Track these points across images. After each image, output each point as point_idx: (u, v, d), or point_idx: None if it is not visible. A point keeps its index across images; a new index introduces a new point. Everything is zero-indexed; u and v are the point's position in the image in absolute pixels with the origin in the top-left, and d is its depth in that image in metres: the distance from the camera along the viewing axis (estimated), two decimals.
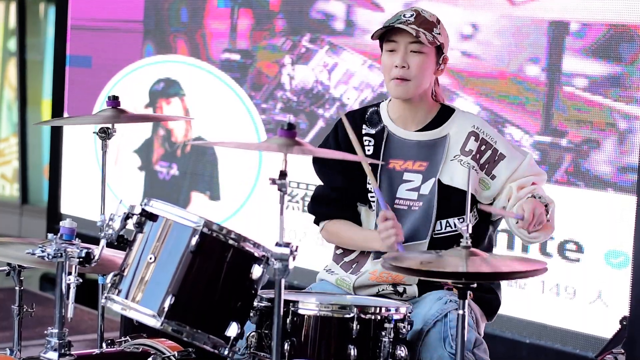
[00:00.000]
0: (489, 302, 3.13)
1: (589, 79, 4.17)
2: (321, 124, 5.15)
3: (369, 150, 3.12)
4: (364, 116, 3.18)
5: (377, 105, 3.20)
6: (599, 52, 4.13)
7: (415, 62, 3.02)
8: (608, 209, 4.09)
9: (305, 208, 5.15)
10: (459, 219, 3.02)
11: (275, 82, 5.39)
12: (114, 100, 3.30)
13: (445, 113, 3.13)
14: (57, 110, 6.80)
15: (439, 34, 3.04)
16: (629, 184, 4.03)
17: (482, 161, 3.06)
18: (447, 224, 3.04)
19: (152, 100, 6.13)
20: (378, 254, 3.03)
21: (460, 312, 2.50)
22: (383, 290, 3.07)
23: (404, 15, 3.03)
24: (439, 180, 3.04)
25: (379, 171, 3.08)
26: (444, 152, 3.05)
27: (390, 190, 3.07)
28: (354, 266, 3.13)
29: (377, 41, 3.11)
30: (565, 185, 4.23)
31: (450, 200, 3.02)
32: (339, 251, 3.22)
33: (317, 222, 3.23)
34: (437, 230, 3.04)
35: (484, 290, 3.10)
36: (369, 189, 3.10)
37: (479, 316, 3.11)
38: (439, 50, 3.06)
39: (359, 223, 3.14)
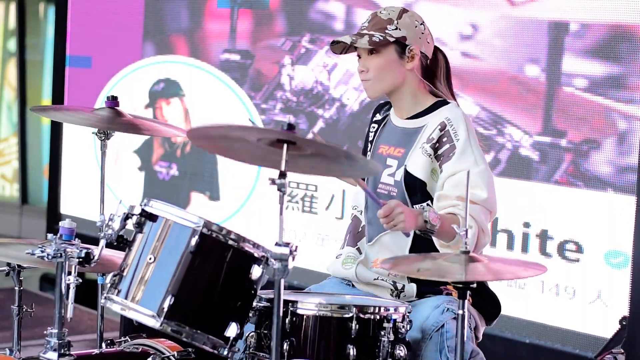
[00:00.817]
0: (489, 309, 3.14)
1: (588, 79, 4.17)
2: (321, 125, 5.15)
3: (372, 135, 3.25)
4: (384, 106, 3.29)
5: (388, 101, 3.28)
6: (599, 52, 4.13)
7: (372, 63, 3.10)
8: (608, 209, 4.09)
9: (305, 208, 5.15)
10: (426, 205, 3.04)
11: (275, 83, 5.39)
12: (112, 101, 3.29)
13: (436, 106, 3.14)
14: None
15: (396, 28, 3.08)
16: (628, 184, 4.03)
17: (438, 152, 3.05)
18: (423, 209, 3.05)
19: (152, 101, 6.12)
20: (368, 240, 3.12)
21: (460, 312, 2.50)
22: (382, 280, 3.09)
23: (363, 23, 3.16)
24: (405, 168, 3.08)
25: (370, 155, 3.19)
26: (416, 141, 3.09)
27: (376, 176, 3.14)
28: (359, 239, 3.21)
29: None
30: (565, 185, 4.23)
31: (415, 188, 3.05)
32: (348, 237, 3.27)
33: None
34: None
35: (484, 297, 3.10)
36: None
37: (478, 320, 3.11)
38: (400, 44, 3.09)
39: None
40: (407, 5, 4.69)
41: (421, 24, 3.14)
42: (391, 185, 3.11)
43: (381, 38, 3.06)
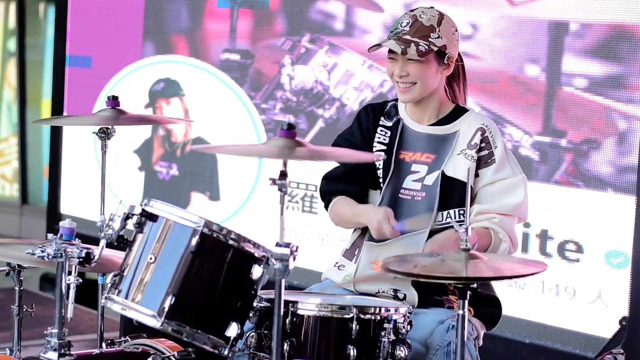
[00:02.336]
0: (490, 314, 3.14)
1: (589, 79, 4.17)
2: (321, 124, 5.15)
3: (384, 139, 3.19)
4: (384, 109, 3.25)
5: (396, 99, 3.26)
6: (599, 52, 4.13)
7: (414, 69, 3.08)
8: (608, 209, 4.09)
9: (306, 208, 5.15)
10: (459, 211, 3.06)
11: (275, 83, 5.39)
12: (113, 101, 3.29)
13: (458, 112, 3.19)
14: (57, 110, 6.79)
15: (438, 37, 3.08)
16: (628, 184, 4.03)
17: (478, 155, 3.10)
18: (448, 215, 3.08)
19: (152, 101, 6.12)
20: (372, 238, 3.09)
21: (460, 312, 2.50)
22: (384, 292, 3.08)
23: (401, 24, 3.09)
24: (442, 172, 3.09)
25: (392, 161, 3.15)
26: (452, 147, 3.11)
27: (397, 181, 3.13)
28: (356, 252, 3.17)
29: (378, 42, 3.15)
30: (565, 185, 4.23)
31: (453, 191, 3.06)
32: (348, 245, 3.24)
33: (326, 205, 3.27)
34: (438, 222, 3.07)
35: (485, 304, 3.10)
36: (377, 173, 3.16)
37: (479, 328, 3.11)
38: (440, 52, 3.10)
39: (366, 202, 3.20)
40: (407, 6, 4.69)
41: (456, 30, 3.17)
42: (417, 190, 3.10)
43: (426, 48, 3.05)
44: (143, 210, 2.75)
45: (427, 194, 3.09)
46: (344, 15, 5.11)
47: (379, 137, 3.20)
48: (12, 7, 9.25)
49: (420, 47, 3.05)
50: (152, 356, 2.88)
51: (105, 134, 3.31)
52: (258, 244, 2.70)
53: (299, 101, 5.27)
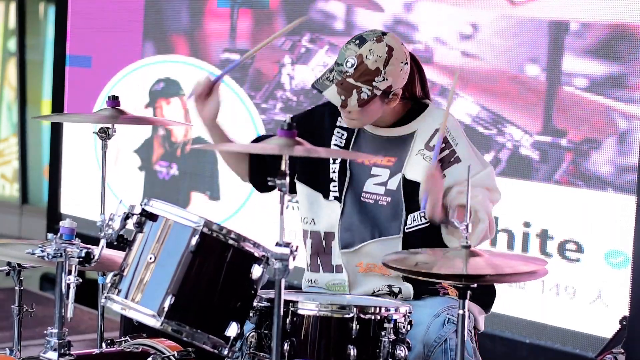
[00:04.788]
0: (485, 297, 3.14)
1: (589, 79, 4.17)
2: None
3: (340, 142, 3.15)
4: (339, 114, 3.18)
5: None
6: (599, 52, 4.13)
7: (356, 112, 3.01)
8: (608, 209, 4.09)
9: None
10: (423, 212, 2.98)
11: (275, 82, 5.39)
12: (113, 100, 3.29)
13: (416, 110, 3.13)
14: (57, 110, 6.79)
15: (384, 79, 2.97)
16: (628, 184, 4.03)
17: (440, 156, 3.02)
18: (415, 218, 3.04)
19: (152, 100, 6.12)
20: (344, 246, 3.08)
21: (460, 312, 2.50)
22: (379, 290, 3.08)
23: (346, 63, 2.97)
24: (403, 176, 3.05)
25: (348, 164, 3.12)
26: (410, 148, 3.07)
27: (357, 184, 3.10)
28: (318, 262, 3.15)
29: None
30: (565, 185, 4.23)
31: (416, 194, 3.00)
32: (309, 261, 3.21)
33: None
34: (409, 224, 3.04)
35: (481, 287, 3.10)
36: (330, 177, 3.12)
37: (477, 314, 3.11)
38: (384, 92, 3.00)
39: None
40: (407, 6, 4.70)
41: (405, 64, 3.02)
42: (380, 194, 3.08)
43: (369, 95, 2.97)
44: (143, 209, 2.75)
45: (392, 199, 3.06)
46: (344, 15, 5.11)
47: (335, 140, 3.17)
48: (12, 7, 9.25)
49: (362, 94, 2.96)
50: (152, 356, 2.88)
51: (105, 134, 3.30)
52: (258, 243, 2.70)
53: (299, 101, 5.27)
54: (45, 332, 2.82)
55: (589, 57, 4.16)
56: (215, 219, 2.79)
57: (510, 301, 4.28)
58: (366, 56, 2.96)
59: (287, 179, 2.47)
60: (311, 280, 3.21)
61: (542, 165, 4.29)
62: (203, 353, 2.77)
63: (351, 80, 2.96)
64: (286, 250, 2.45)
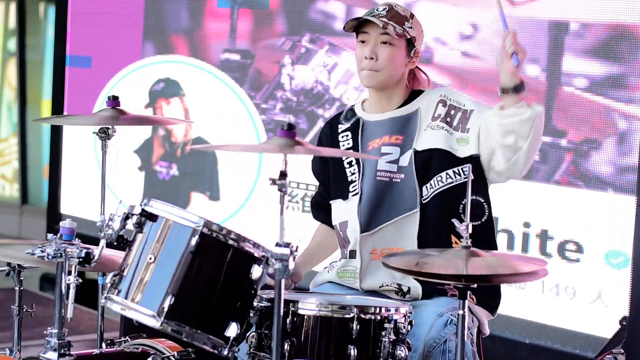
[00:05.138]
0: (492, 301, 3.14)
1: (589, 79, 4.17)
2: (321, 124, 5.14)
3: (348, 144, 3.22)
4: (339, 117, 3.31)
5: (352, 106, 3.32)
6: (599, 52, 4.13)
7: (384, 53, 3.12)
8: (608, 209, 4.09)
9: (306, 208, 5.15)
10: (437, 178, 3.08)
11: (275, 82, 5.39)
12: (113, 101, 3.29)
13: (414, 94, 3.23)
14: (57, 110, 6.80)
15: (411, 27, 3.14)
16: (628, 184, 4.03)
17: (454, 124, 3.12)
18: (431, 186, 3.09)
19: (152, 101, 6.13)
20: (363, 229, 3.13)
21: (461, 312, 2.50)
22: (387, 285, 3.08)
23: (377, 9, 3.14)
24: (414, 150, 3.11)
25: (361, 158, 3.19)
26: (417, 125, 3.14)
27: (371, 167, 3.15)
28: (348, 250, 3.19)
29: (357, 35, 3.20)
30: (565, 185, 4.23)
31: (431, 162, 3.08)
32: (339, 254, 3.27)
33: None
34: (425, 196, 3.08)
35: (485, 289, 3.11)
36: (350, 180, 3.18)
37: (484, 319, 3.12)
38: (410, 43, 3.15)
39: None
40: (407, 5, 4.69)
41: (422, 32, 3.23)
42: (394, 172, 3.12)
43: (402, 32, 3.11)
44: (143, 210, 2.75)
45: (406, 175, 3.11)
46: (344, 15, 5.11)
47: (343, 144, 3.23)
48: (12, 7, 9.26)
49: (397, 29, 3.10)
50: (152, 356, 2.88)
51: (105, 134, 3.30)
52: (258, 244, 2.70)
53: (299, 101, 5.27)
54: (45, 332, 2.82)
55: (588, 57, 4.16)
56: (215, 219, 2.79)
57: (510, 301, 4.27)
58: (395, 5, 3.16)
59: (287, 179, 2.47)
60: (329, 264, 3.27)
61: (542, 166, 4.29)
62: (203, 353, 2.77)
63: (384, 19, 3.10)
64: (286, 251, 2.45)
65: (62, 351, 2.79)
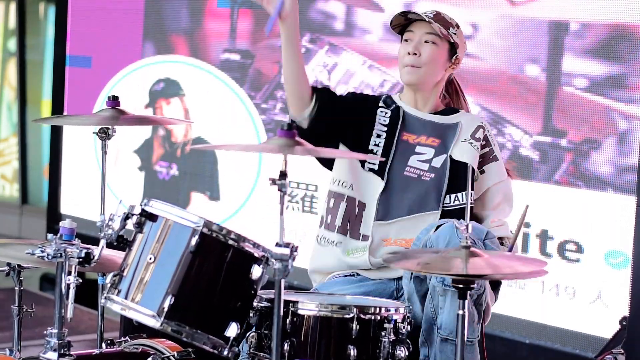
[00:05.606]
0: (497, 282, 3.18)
1: (589, 79, 4.17)
2: None
3: (384, 121, 3.25)
4: (379, 99, 3.33)
5: (389, 95, 3.35)
6: (599, 52, 4.13)
7: (427, 51, 3.19)
8: (608, 209, 4.09)
9: (306, 208, 5.15)
10: (462, 194, 3.16)
11: (275, 82, 5.39)
12: (113, 101, 3.29)
13: (453, 110, 3.31)
14: (57, 110, 6.80)
15: (455, 34, 3.23)
16: (628, 184, 4.03)
17: (481, 152, 3.23)
18: (456, 198, 3.16)
19: (152, 101, 6.12)
20: (379, 217, 3.15)
21: (460, 312, 2.50)
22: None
23: (425, 13, 3.21)
24: (450, 157, 3.18)
25: (395, 141, 3.21)
26: (455, 134, 3.22)
27: (402, 160, 3.20)
28: (361, 233, 3.19)
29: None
30: (565, 185, 4.23)
31: (459, 175, 3.15)
32: (337, 222, 3.24)
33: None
34: (447, 203, 3.15)
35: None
36: (372, 150, 3.21)
37: (489, 299, 3.12)
38: (452, 48, 3.22)
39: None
40: (407, 5, 4.69)
41: (465, 44, 3.30)
42: (424, 170, 3.18)
43: (446, 33, 3.18)
44: (143, 210, 2.75)
45: (436, 175, 3.17)
46: (344, 15, 5.11)
47: (380, 118, 3.26)
48: (12, 7, 9.26)
49: (442, 29, 3.17)
50: (152, 356, 2.88)
51: (105, 134, 3.30)
52: (258, 244, 2.70)
53: None
54: (45, 332, 2.82)
55: (588, 58, 4.16)
56: (215, 219, 2.79)
57: (510, 301, 4.28)
58: (443, 13, 3.24)
59: (287, 179, 2.47)
60: (327, 239, 3.25)
61: (542, 166, 4.29)
62: (203, 353, 2.77)
63: (432, 21, 3.17)
64: (286, 251, 2.45)
65: (62, 351, 2.79)
